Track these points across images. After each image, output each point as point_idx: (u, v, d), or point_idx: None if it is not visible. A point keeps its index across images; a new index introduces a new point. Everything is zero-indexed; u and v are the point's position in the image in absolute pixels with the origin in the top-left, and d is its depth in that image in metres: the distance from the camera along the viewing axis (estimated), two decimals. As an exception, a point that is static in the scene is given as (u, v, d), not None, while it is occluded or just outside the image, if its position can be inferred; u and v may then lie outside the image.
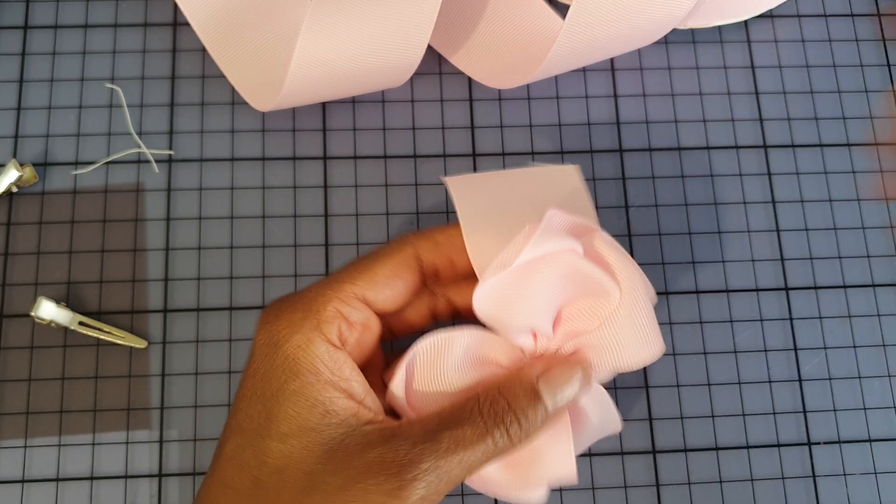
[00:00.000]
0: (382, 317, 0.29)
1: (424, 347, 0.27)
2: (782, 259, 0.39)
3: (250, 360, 0.27)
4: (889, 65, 0.42)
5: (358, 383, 0.26)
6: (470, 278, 0.28)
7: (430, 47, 0.39)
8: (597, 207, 0.39)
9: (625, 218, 0.39)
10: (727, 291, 0.38)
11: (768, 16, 0.42)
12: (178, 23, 0.40)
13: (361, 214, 0.38)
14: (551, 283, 0.26)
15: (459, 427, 0.25)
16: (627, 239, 0.38)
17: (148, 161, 0.38)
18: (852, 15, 0.42)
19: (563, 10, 0.39)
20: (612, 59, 0.41)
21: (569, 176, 0.30)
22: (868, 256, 0.39)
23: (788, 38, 0.42)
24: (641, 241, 0.38)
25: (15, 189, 0.37)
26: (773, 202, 0.39)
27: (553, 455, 0.27)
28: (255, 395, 0.26)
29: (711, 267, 0.38)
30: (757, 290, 0.38)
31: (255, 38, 0.38)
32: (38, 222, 0.37)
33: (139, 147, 0.38)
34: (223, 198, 0.38)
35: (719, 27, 0.42)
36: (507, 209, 0.29)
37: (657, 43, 0.41)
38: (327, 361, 0.26)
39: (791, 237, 0.39)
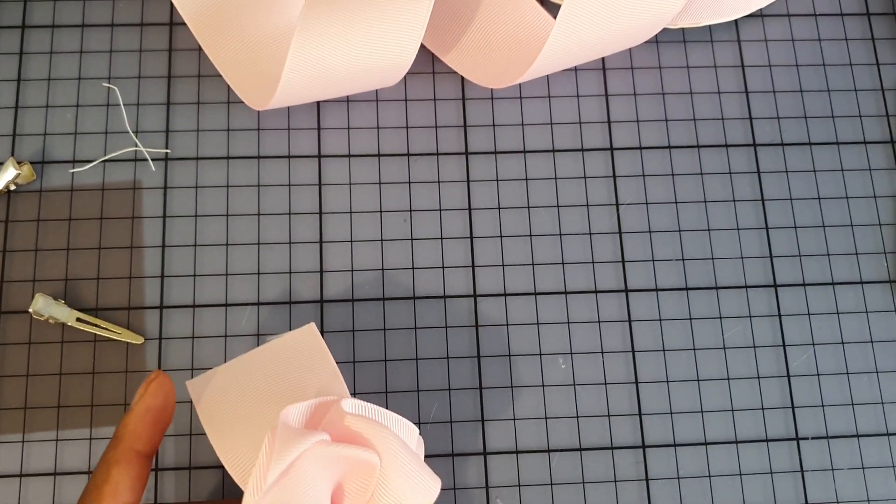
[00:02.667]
0: None
1: None
2: (771, 256, 0.39)
3: None
4: (878, 64, 0.42)
5: None
6: None
7: (423, 47, 0.39)
8: (587, 205, 0.39)
9: (615, 215, 0.39)
10: (716, 288, 0.38)
11: (758, 15, 0.42)
12: (174, 22, 0.40)
13: (355, 212, 0.38)
14: (312, 482, 0.26)
15: None
16: (618, 237, 0.39)
17: (145, 159, 0.38)
18: (842, 14, 0.43)
19: (554, 9, 0.39)
20: (603, 59, 0.41)
21: (307, 336, 0.30)
22: (856, 254, 0.39)
23: (778, 38, 0.42)
24: (632, 239, 0.39)
25: (13, 187, 0.37)
26: (762, 200, 0.40)
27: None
28: None
29: (701, 264, 0.39)
30: (746, 286, 0.38)
31: (250, 38, 0.39)
32: (35, 220, 0.37)
33: (136, 145, 0.39)
34: (219, 195, 0.38)
35: (709, 26, 0.42)
36: (251, 400, 0.28)
37: (648, 42, 0.41)
38: None
39: (779, 234, 0.39)
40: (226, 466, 0.27)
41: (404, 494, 0.27)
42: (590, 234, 0.39)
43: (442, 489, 0.35)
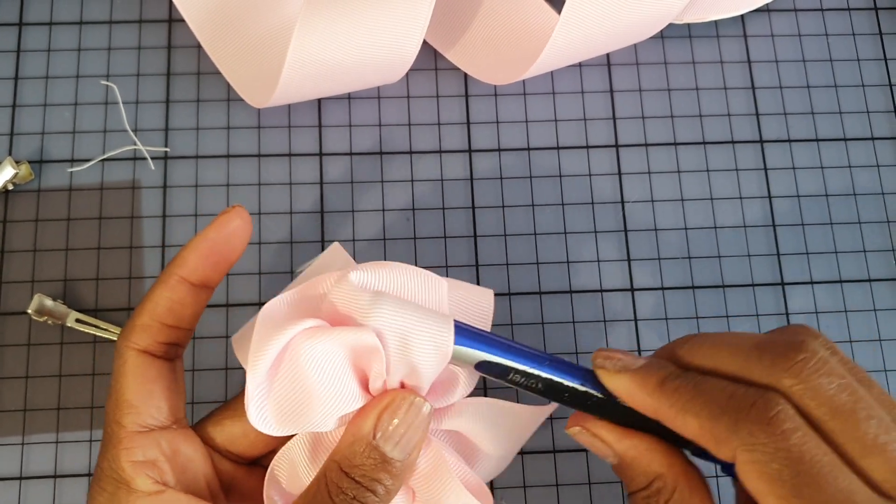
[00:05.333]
0: (220, 454, 0.27)
1: (276, 463, 0.25)
2: (778, 254, 0.39)
3: None
4: (886, 59, 0.42)
5: None
6: None
7: (425, 43, 0.39)
8: (593, 203, 0.39)
9: (621, 213, 0.39)
10: (723, 286, 0.38)
11: (765, 10, 0.42)
12: (173, 19, 0.40)
13: (357, 210, 0.38)
14: (321, 370, 0.24)
15: None
16: (623, 234, 0.38)
17: (144, 158, 0.38)
18: (849, 9, 0.42)
19: (558, 5, 0.39)
20: (607, 55, 0.41)
21: (335, 255, 0.28)
22: (864, 251, 0.39)
23: (785, 33, 0.42)
24: (638, 237, 0.38)
25: (11, 187, 0.37)
26: (770, 197, 0.39)
27: (448, 496, 0.25)
28: None
29: (707, 262, 0.38)
30: (753, 285, 0.38)
31: (250, 35, 0.38)
32: (34, 220, 0.37)
33: (135, 144, 0.38)
34: (219, 194, 0.38)
35: (715, 22, 0.41)
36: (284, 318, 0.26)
37: (653, 38, 0.41)
38: None
39: (787, 232, 0.39)
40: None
41: (412, 355, 0.24)
42: (595, 232, 0.38)
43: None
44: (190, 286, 0.26)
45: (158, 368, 0.26)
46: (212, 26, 0.38)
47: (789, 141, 0.40)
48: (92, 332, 0.35)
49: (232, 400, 0.28)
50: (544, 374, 0.25)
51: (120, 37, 0.40)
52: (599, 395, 0.25)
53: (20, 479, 0.34)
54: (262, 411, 0.24)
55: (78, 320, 0.35)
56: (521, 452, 0.36)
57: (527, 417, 0.27)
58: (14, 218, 0.37)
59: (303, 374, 0.23)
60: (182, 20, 0.40)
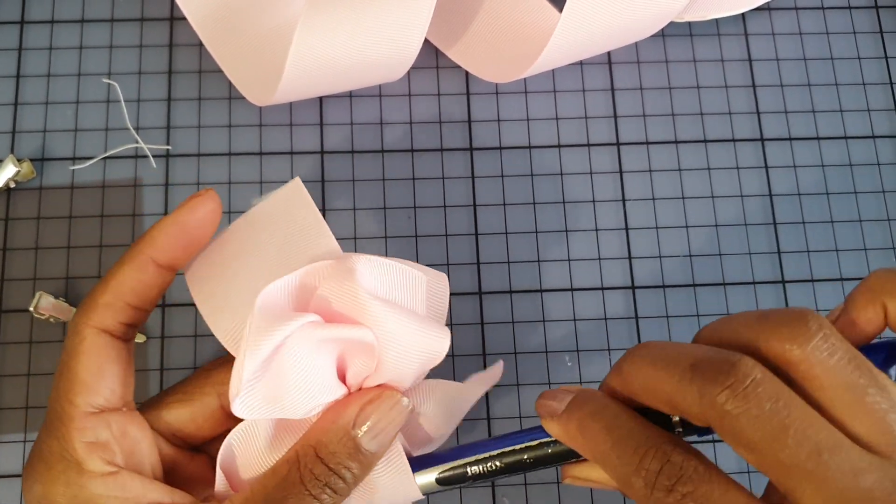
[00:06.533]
0: (172, 437, 0.27)
1: (234, 440, 0.25)
2: (779, 252, 0.39)
3: None
4: (887, 57, 0.42)
5: (157, 489, 0.25)
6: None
7: (426, 41, 0.39)
8: (594, 201, 0.39)
9: (622, 211, 0.39)
10: (724, 284, 0.38)
11: (765, 8, 0.42)
12: (174, 17, 0.40)
13: (359, 209, 0.38)
14: (306, 366, 0.24)
15: (278, 500, 0.24)
16: (625, 233, 0.38)
17: (145, 156, 0.38)
18: (850, 7, 0.42)
19: (559, 3, 0.39)
20: (608, 53, 0.41)
21: (293, 193, 0.27)
22: (865, 249, 0.39)
23: (786, 31, 0.42)
24: (638, 235, 0.38)
25: (13, 184, 0.37)
26: (770, 195, 0.39)
27: (393, 479, 0.26)
28: None
29: (708, 260, 0.38)
30: (754, 283, 0.38)
31: (251, 33, 0.38)
32: (36, 218, 0.37)
33: (136, 142, 0.38)
34: (221, 192, 0.38)
35: (716, 20, 0.41)
36: (241, 274, 0.26)
37: (654, 36, 0.41)
38: (111, 491, 0.24)
39: (788, 230, 0.39)
40: (225, 346, 0.25)
41: (407, 362, 0.25)
42: (596, 230, 0.38)
43: (447, 488, 0.35)
44: (157, 267, 0.26)
45: (116, 349, 0.25)
46: (213, 24, 0.38)
47: (790, 139, 0.40)
48: (94, 329, 0.35)
49: (181, 383, 0.28)
50: (496, 452, 0.25)
51: (121, 35, 0.40)
52: (552, 439, 0.25)
53: (22, 476, 0.34)
54: (249, 398, 0.24)
55: (80, 318, 0.35)
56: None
57: (472, 394, 0.28)
58: (16, 216, 0.37)
59: (292, 363, 0.24)
60: (184, 18, 0.40)
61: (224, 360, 0.27)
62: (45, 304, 0.35)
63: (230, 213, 0.38)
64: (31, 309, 0.35)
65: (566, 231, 0.38)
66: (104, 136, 0.38)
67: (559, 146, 0.39)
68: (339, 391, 0.25)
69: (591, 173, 0.39)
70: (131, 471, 0.25)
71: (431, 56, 0.40)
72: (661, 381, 0.22)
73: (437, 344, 0.25)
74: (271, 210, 0.27)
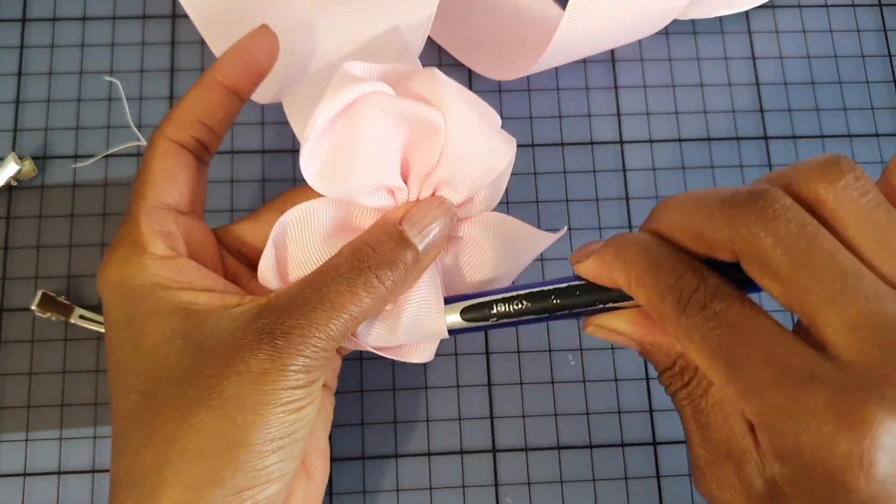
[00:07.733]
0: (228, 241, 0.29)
1: (290, 220, 0.26)
2: (783, 250, 0.38)
3: (105, 315, 0.26)
4: (891, 55, 0.41)
5: (212, 277, 0.26)
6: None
7: (429, 39, 0.39)
8: (597, 199, 0.39)
9: (625, 209, 0.39)
10: (728, 283, 0.38)
11: (769, 6, 0.42)
12: (176, 15, 0.40)
13: (361, 207, 0.38)
14: (375, 134, 0.25)
15: (326, 285, 0.25)
16: (628, 231, 0.38)
17: (147, 154, 0.38)
18: (854, 5, 0.42)
19: (562, 1, 0.39)
20: (612, 51, 0.41)
21: (392, 39, 0.29)
22: (869, 248, 0.39)
23: (789, 29, 0.42)
24: (642, 233, 0.38)
25: (14, 183, 0.37)
26: (774, 193, 0.39)
27: (421, 308, 0.26)
28: (119, 337, 0.26)
29: (712, 259, 0.38)
30: (758, 281, 0.38)
31: (254, 31, 0.38)
32: (37, 216, 0.37)
33: (138, 140, 0.38)
34: (223, 191, 0.38)
35: (720, 18, 0.41)
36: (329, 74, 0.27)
37: (658, 34, 0.40)
38: (169, 272, 0.26)
39: (792, 228, 0.39)
40: (293, 127, 0.27)
41: (469, 157, 0.26)
42: (599, 228, 0.38)
43: (450, 488, 0.35)
44: (224, 89, 0.28)
45: (186, 159, 0.27)
46: (215, 22, 0.38)
47: (794, 137, 0.40)
48: (95, 328, 0.35)
49: (255, 211, 0.29)
50: (524, 291, 0.26)
51: (123, 33, 0.39)
52: (582, 282, 0.25)
53: (24, 475, 0.34)
54: (311, 159, 0.25)
55: (82, 317, 0.35)
56: (525, 449, 0.36)
57: (534, 237, 0.29)
58: (18, 214, 0.37)
59: (362, 128, 0.25)
60: (186, 16, 0.39)
61: (296, 188, 0.29)
62: (47, 303, 0.35)
63: (231, 213, 0.37)
64: (33, 307, 0.35)
65: (569, 229, 0.38)
66: (106, 134, 0.38)
67: (562, 144, 0.39)
68: (399, 185, 0.26)
69: (594, 171, 0.39)
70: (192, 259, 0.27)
71: (434, 54, 0.40)
72: (692, 215, 0.22)
73: (503, 146, 0.26)
74: (368, 52, 0.29)
